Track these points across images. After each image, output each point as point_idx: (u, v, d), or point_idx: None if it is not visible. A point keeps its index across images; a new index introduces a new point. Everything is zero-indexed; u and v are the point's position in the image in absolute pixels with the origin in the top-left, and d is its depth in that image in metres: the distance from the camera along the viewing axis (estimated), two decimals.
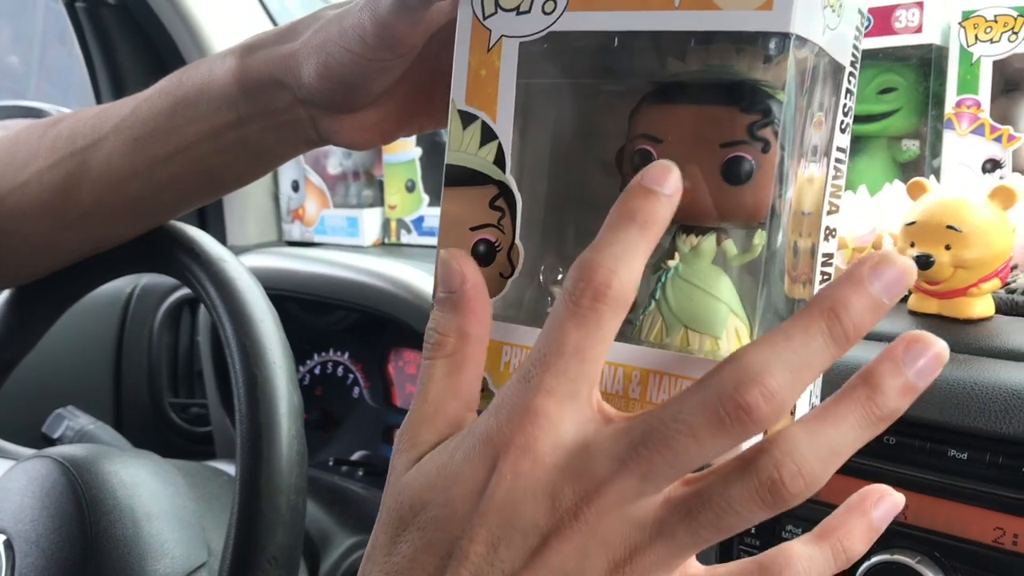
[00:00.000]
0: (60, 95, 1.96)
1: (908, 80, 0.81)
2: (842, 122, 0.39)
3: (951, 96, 0.76)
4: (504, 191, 0.38)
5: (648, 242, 0.31)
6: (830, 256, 0.40)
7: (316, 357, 1.06)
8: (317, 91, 0.47)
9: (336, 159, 1.17)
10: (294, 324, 1.04)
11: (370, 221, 1.13)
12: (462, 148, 0.38)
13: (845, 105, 0.39)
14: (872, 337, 0.57)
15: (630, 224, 0.31)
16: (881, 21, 0.80)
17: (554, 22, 0.36)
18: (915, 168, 0.81)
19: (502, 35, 0.37)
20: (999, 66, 0.74)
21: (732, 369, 0.28)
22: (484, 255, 0.38)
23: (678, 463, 0.28)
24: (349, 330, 1.04)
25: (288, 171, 1.19)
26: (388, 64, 0.45)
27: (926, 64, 0.79)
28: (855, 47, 0.39)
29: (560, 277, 0.42)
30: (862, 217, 0.64)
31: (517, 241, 0.38)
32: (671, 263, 0.37)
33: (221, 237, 1.20)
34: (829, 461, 0.28)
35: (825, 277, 0.40)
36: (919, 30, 0.78)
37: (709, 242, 0.37)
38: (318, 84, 0.46)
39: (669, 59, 0.38)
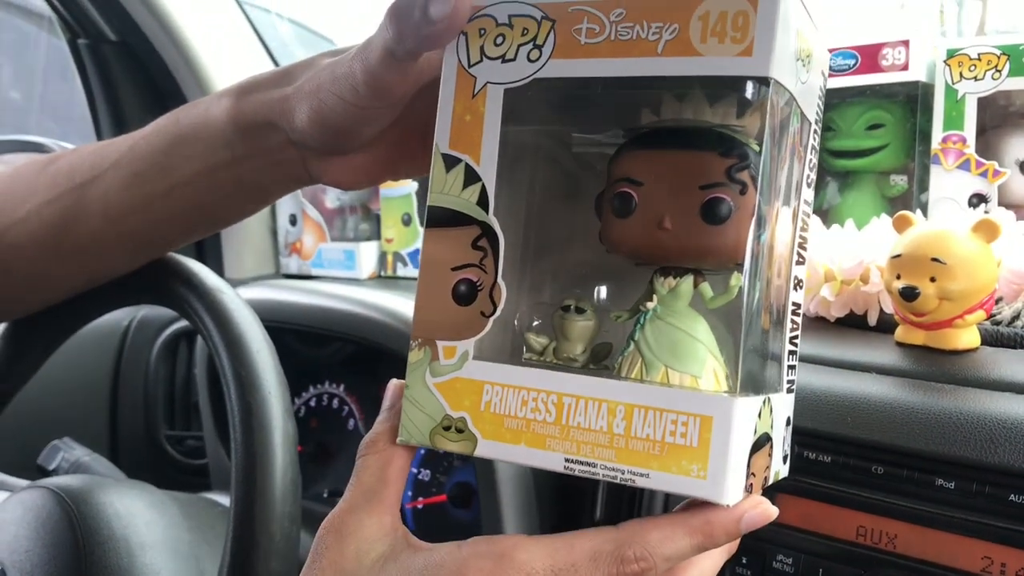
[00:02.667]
0: (61, 130, 1.97)
1: (895, 116, 0.82)
2: (808, 176, 0.40)
3: (937, 132, 0.78)
4: (487, 231, 0.38)
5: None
6: (798, 305, 0.41)
7: (312, 389, 1.06)
8: (309, 134, 0.48)
9: (334, 193, 1.18)
10: (290, 356, 1.04)
11: (367, 254, 1.14)
12: (445, 190, 0.39)
13: (811, 160, 0.40)
14: (859, 367, 0.58)
15: (705, 541, 0.35)
16: (868, 59, 0.81)
17: (539, 69, 0.37)
18: (903, 203, 0.82)
19: (487, 82, 0.38)
20: (983, 103, 0.76)
21: None
22: (465, 294, 0.38)
23: None
24: (344, 362, 1.04)
25: (286, 205, 1.20)
26: (378, 113, 0.46)
27: (913, 101, 0.80)
28: (819, 105, 0.40)
29: (535, 324, 0.43)
30: (850, 250, 0.65)
31: (499, 280, 0.38)
32: (649, 305, 0.38)
33: (219, 270, 1.21)
34: None
35: (794, 326, 0.41)
36: (905, 67, 0.79)
37: (687, 284, 0.38)
38: (310, 128, 0.48)
39: (643, 111, 0.39)
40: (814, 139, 0.40)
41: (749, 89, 0.35)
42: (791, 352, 0.41)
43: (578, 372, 0.37)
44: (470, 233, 0.38)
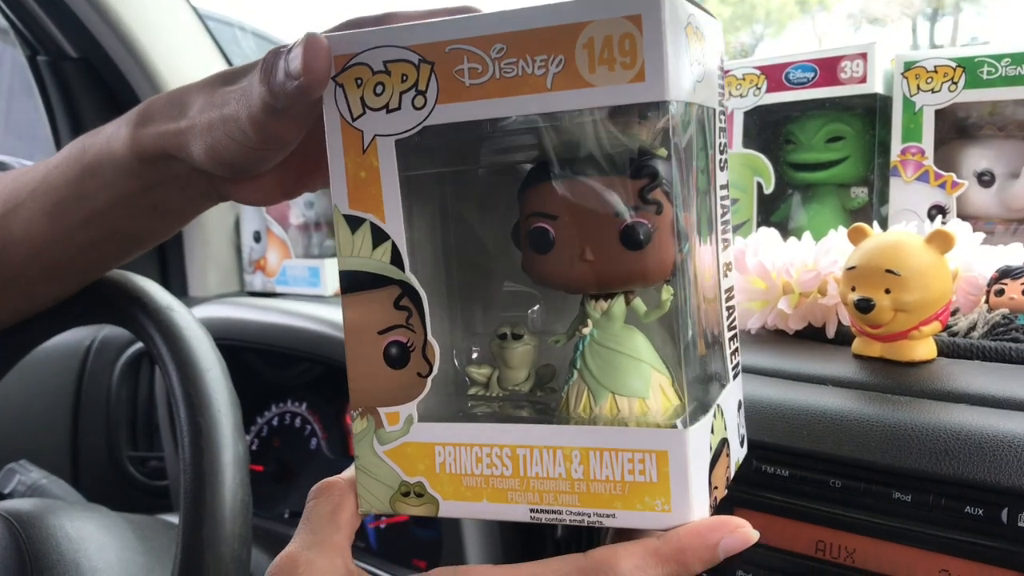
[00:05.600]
0: (26, 148, 1.95)
1: (855, 129, 0.83)
2: (720, 160, 0.39)
3: (896, 144, 0.78)
4: (407, 290, 0.37)
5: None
6: (731, 290, 0.41)
7: (274, 408, 1.05)
8: (209, 167, 0.47)
9: (298, 210, 1.17)
10: (253, 374, 1.03)
11: (332, 271, 1.13)
12: (354, 252, 0.37)
13: (722, 143, 0.39)
14: (816, 380, 0.57)
15: (679, 570, 0.33)
16: (827, 71, 0.82)
17: (427, 117, 0.35)
18: (864, 215, 0.83)
19: (375, 135, 0.36)
20: (941, 115, 0.76)
21: None
22: (397, 357, 0.37)
23: None
24: (308, 381, 1.03)
25: (250, 222, 1.19)
26: (273, 152, 0.45)
27: (872, 113, 0.81)
28: (720, 85, 0.39)
29: (475, 356, 0.42)
30: (806, 263, 0.65)
31: (430, 338, 0.37)
32: (585, 330, 0.37)
33: (182, 288, 1.20)
34: None
35: (730, 310, 0.40)
36: (863, 80, 0.80)
37: (619, 305, 0.37)
38: (208, 163, 0.46)
39: (546, 129, 0.37)
40: (720, 120, 0.39)
41: (648, 112, 0.34)
42: (731, 337, 0.40)
43: (527, 421, 0.37)
44: (390, 293, 0.37)
